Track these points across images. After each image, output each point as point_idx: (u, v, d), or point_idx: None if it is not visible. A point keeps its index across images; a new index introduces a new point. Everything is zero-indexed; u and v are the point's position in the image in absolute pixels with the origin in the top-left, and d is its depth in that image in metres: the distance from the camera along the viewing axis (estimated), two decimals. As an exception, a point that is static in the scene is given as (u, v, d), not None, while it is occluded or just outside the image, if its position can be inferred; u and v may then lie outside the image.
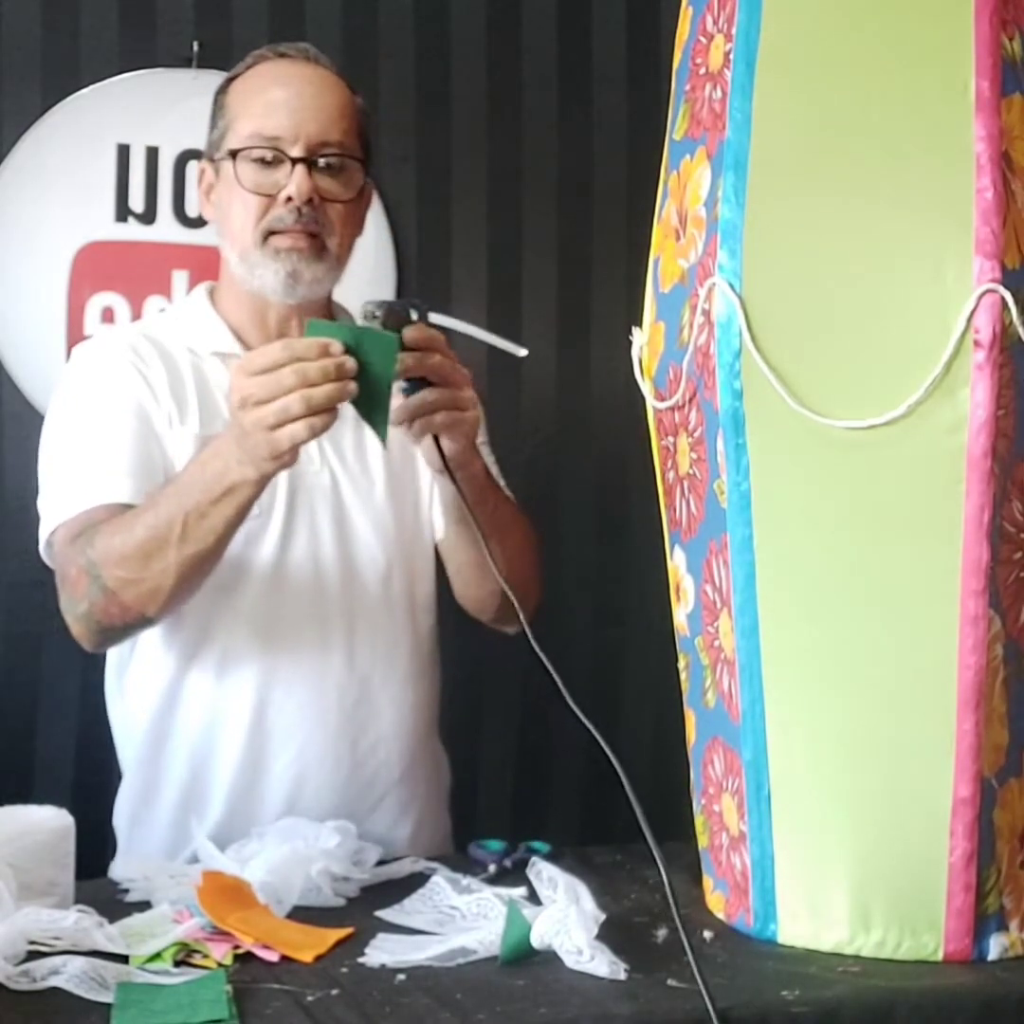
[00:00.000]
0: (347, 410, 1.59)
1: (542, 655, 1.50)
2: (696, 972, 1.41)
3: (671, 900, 1.44)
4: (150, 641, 1.91)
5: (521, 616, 1.56)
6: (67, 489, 1.86)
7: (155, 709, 1.93)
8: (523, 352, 1.67)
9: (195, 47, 2.73)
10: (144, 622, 1.81)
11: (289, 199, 1.87)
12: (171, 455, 1.88)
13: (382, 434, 1.58)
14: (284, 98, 1.90)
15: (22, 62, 2.76)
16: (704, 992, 1.39)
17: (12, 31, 2.75)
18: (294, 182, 1.87)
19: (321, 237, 1.89)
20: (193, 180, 2.62)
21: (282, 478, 1.87)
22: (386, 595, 1.96)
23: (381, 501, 1.96)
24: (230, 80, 1.96)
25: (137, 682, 1.95)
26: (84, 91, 2.73)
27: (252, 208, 1.88)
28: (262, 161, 1.88)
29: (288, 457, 1.61)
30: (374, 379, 1.56)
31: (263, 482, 1.67)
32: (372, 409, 1.57)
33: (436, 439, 1.68)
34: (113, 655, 1.98)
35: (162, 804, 1.93)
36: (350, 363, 1.54)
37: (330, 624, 1.92)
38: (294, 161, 1.88)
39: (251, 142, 1.88)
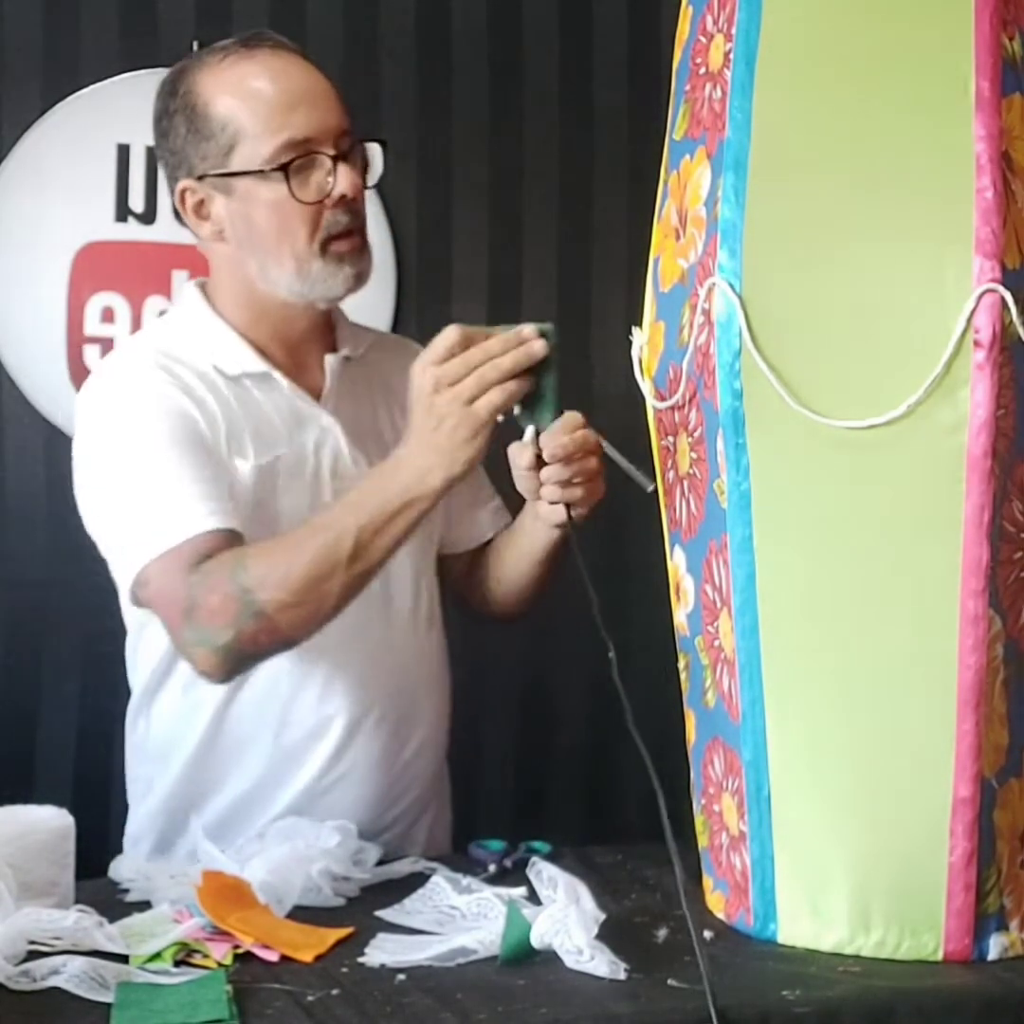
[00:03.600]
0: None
1: (618, 682, 1.57)
2: (704, 971, 1.41)
3: (682, 899, 1.44)
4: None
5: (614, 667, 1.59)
6: (157, 522, 1.75)
7: (208, 723, 1.87)
8: (651, 487, 1.71)
9: (195, 47, 2.72)
10: (285, 648, 1.75)
11: (343, 198, 1.80)
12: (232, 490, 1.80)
13: (547, 422, 1.65)
14: (293, 97, 1.80)
15: (22, 62, 2.76)
16: (708, 992, 1.39)
17: (12, 31, 2.75)
18: (345, 180, 1.80)
19: (365, 230, 1.85)
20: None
21: (326, 491, 1.86)
22: (416, 604, 1.95)
23: None
24: (188, 90, 1.82)
25: (181, 700, 1.89)
26: (84, 91, 2.74)
27: (308, 219, 1.80)
28: (299, 168, 1.79)
29: (482, 440, 1.62)
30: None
31: (443, 491, 1.66)
32: (535, 407, 1.64)
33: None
34: (147, 672, 1.92)
35: (207, 817, 1.88)
36: (527, 330, 1.60)
37: (373, 636, 1.88)
38: (334, 159, 1.80)
39: (290, 152, 1.78)
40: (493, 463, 2.08)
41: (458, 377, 1.61)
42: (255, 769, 1.88)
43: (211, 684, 1.78)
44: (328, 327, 1.95)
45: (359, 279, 1.85)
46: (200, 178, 1.83)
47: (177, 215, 1.93)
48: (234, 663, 1.74)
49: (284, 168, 1.79)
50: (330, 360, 1.91)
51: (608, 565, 2.98)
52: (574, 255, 2.99)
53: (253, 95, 1.81)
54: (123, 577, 1.80)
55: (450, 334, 1.62)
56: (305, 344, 1.92)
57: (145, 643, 1.91)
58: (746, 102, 1.54)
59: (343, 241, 1.83)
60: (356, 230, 1.84)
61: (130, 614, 1.92)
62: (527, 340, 1.61)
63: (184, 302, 1.94)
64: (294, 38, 1.98)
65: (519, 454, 1.73)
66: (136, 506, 1.78)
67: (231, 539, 1.74)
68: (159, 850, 1.88)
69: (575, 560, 1.70)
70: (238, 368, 1.86)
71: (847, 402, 1.50)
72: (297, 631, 1.73)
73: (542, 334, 1.62)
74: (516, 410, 1.65)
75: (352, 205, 1.82)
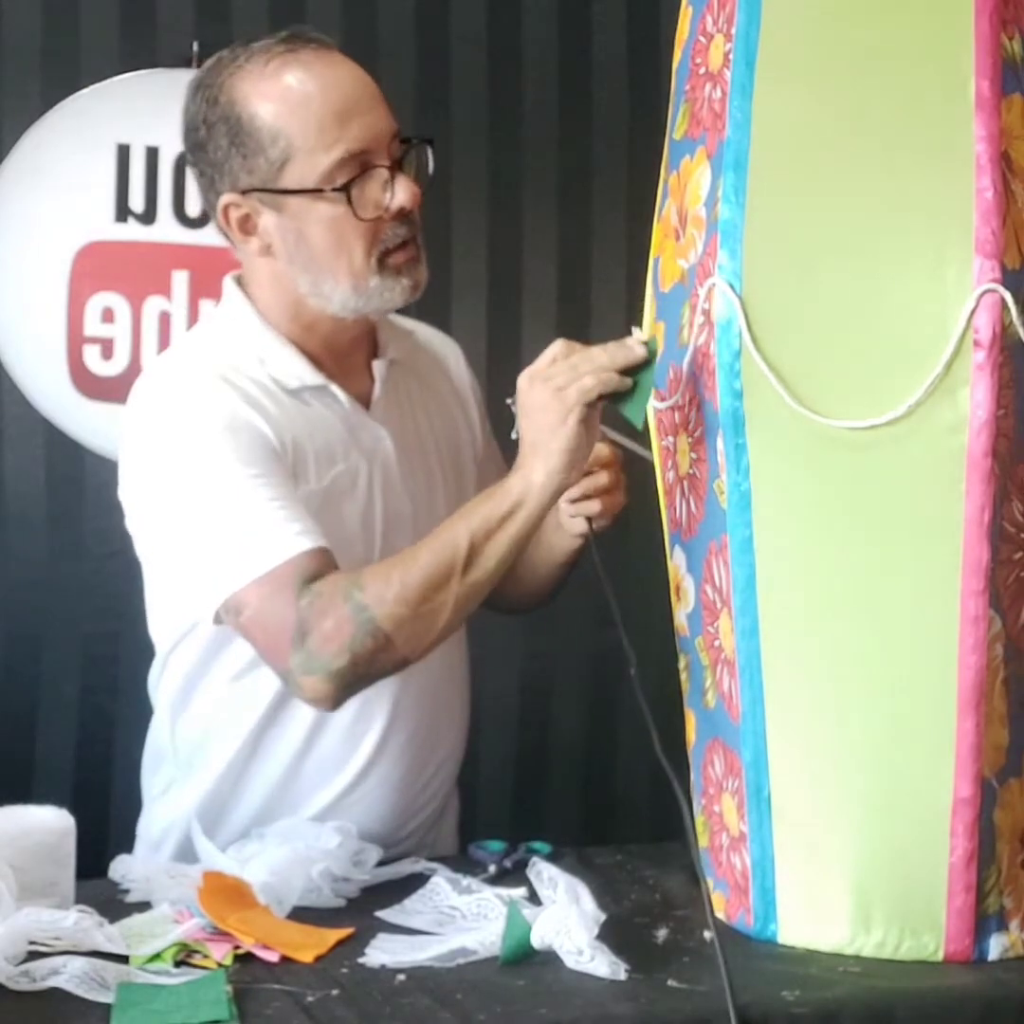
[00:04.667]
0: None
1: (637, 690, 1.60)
2: (724, 972, 1.42)
3: (701, 878, 1.45)
4: (248, 669, 1.81)
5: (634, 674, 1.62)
6: (248, 544, 1.68)
7: (246, 736, 1.84)
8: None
9: (195, 47, 2.73)
10: (397, 669, 1.71)
11: (402, 210, 1.74)
12: None
13: (639, 420, 1.65)
14: (345, 106, 1.73)
15: (22, 62, 2.77)
16: (728, 992, 1.41)
17: (12, 31, 2.76)
18: (403, 192, 1.74)
19: (419, 237, 1.80)
20: (195, 182, 2.60)
21: (377, 502, 1.83)
22: None
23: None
24: (229, 99, 1.74)
25: (219, 709, 1.86)
26: (84, 91, 2.73)
27: (365, 235, 1.74)
28: (356, 182, 1.73)
29: (573, 426, 1.60)
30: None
31: (549, 489, 1.64)
32: (630, 403, 1.64)
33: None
34: (177, 684, 1.87)
35: (237, 817, 1.86)
36: (630, 339, 1.63)
37: None
38: (391, 169, 1.74)
39: (347, 167, 1.72)
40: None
41: (554, 374, 1.62)
42: (283, 784, 1.85)
43: (323, 711, 1.74)
44: (371, 329, 1.89)
45: (415, 289, 1.79)
46: (245, 192, 1.76)
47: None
48: (346, 688, 1.68)
49: (345, 187, 1.72)
50: (378, 366, 1.86)
51: (608, 565, 2.98)
52: (574, 255, 2.99)
53: (303, 105, 1.72)
54: (204, 602, 1.72)
55: (555, 345, 1.64)
56: (353, 352, 1.86)
57: (177, 656, 1.87)
58: (746, 102, 1.54)
59: (400, 253, 1.76)
60: (412, 239, 1.78)
61: (160, 631, 1.89)
62: (629, 345, 1.62)
63: (229, 307, 1.85)
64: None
65: None
66: (219, 528, 1.70)
67: (326, 558, 1.69)
68: (182, 857, 1.86)
69: (598, 575, 1.71)
70: (297, 381, 1.79)
71: (847, 402, 1.50)
72: (412, 648, 1.68)
73: (644, 343, 1.63)
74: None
75: (409, 215, 1.76)
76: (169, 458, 1.75)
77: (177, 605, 1.84)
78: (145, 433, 1.79)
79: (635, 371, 1.62)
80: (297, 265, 1.77)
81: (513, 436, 1.71)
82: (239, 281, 1.86)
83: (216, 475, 1.71)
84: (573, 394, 1.61)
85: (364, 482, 1.83)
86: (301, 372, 1.80)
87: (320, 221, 1.75)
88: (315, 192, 1.73)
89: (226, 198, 1.77)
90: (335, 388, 1.82)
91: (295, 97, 1.73)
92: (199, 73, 1.81)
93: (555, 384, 1.61)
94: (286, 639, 1.66)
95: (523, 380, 1.66)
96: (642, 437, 1.76)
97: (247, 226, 1.78)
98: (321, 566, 1.68)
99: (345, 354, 1.85)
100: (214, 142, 1.77)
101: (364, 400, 1.86)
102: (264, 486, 1.71)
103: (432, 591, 1.65)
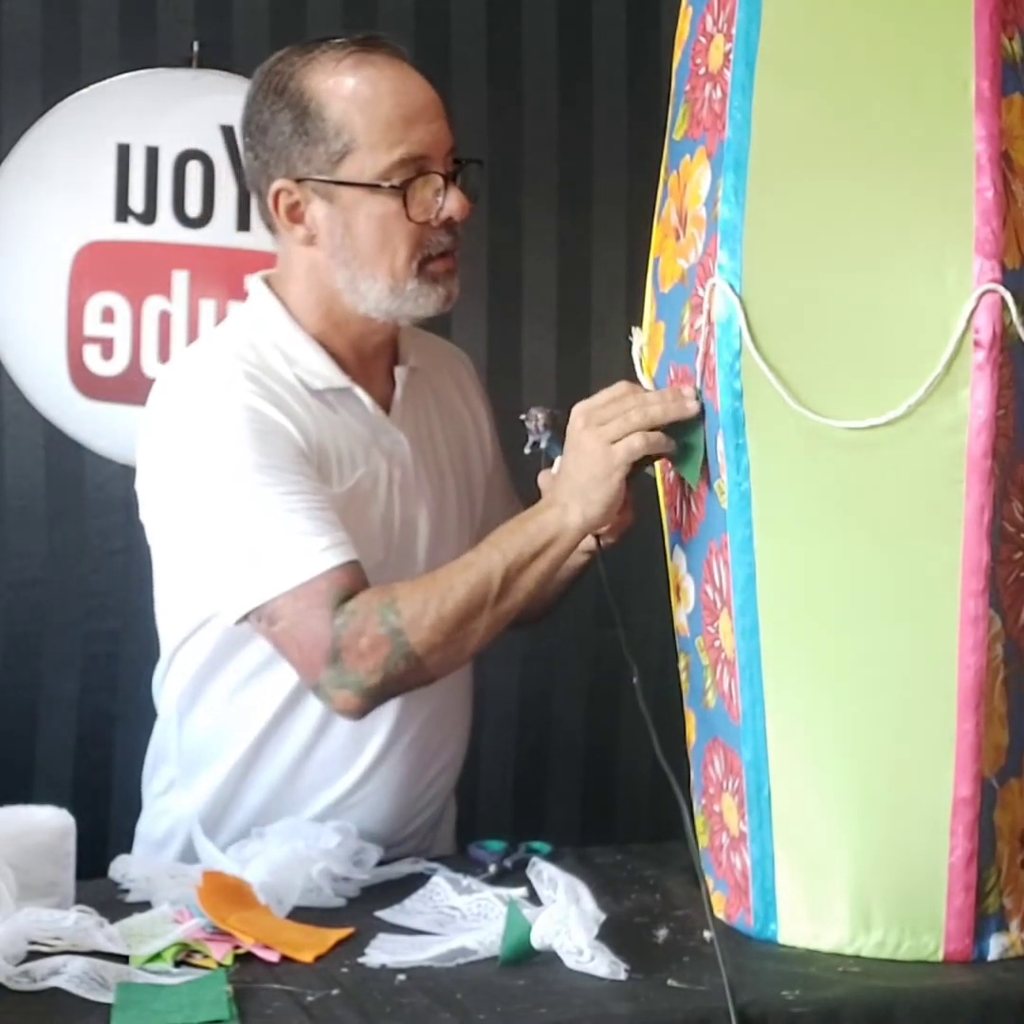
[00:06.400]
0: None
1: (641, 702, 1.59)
2: (723, 970, 1.42)
3: (699, 875, 1.45)
4: (256, 672, 1.82)
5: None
6: (282, 554, 1.70)
7: (261, 728, 1.84)
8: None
9: (195, 47, 2.73)
10: (423, 685, 1.75)
11: (449, 219, 1.77)
12: None
13: (694, 479, 1.65)
14: (412, 111, 1.77)
15: (22, 62, 2.77)
16: (727, 990, 1.41)
17: (12, 31, 2.76)
18: (455, 201, 1.77)
19: (458, 251, 1.82)
20: (195, 180, 2.60)
21: (396, 505, 1.84)
22: None
23: (452, 529, 1.92)
24: (299, 89, 1.76)
25: (224, 711, 1.86)
26: (84, 91, 2.73)
27: (411, 237, 1.77)
28: (411, 182, 1.76)
29: (616, 482, 1.64)
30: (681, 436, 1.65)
31: (583, 530, 1.68)
32: (683, 461, 1.65)
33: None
34: (184, 683, 1.87)
35: (239, 817, 1.86)
36: (686, 390, 1.63)
37: None
38: (446, 178, 1.77)
39: (405, 168, 1.75)
40: (525, 487, 2.08)
41: (608, 418, 1.64)
42: (287, 784, 1.85)
43: (349, 720, 1.76)
44: (393, 336, 1.90)
45: (448, 300, 1.81)
46: (299, 181, 1.78)
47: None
48: (374, 702, 1.73)
49: (402, 187, 1.75)
50: (400, 372, 1.88)
51: (608, 565, 2.98)
52: (574, 256, 2.99)
53: (371, 103, 1.76)
54: (230, 603, 1.74)
55: (617, 385, 1.66)
56: (377, 357, 1.88)
57: (183, 657, 1.87)
58: (746, 102, 1.54)
59: (440, 262, 1.79)
60: (452, 251, 1.80)
61: (169, 626, 1.89)
62: (685, 397, 1.63)
63: (257, 304, 1.87)
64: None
65: (548, 484, 1.73)
66: (249, 532, 1.72)
67: (358, 572, 1.71)
68: (185, 858, 1.85)
69: (600, 581, 1.72)
70: (322, 382, 1.81)
71: (847, 402, 1.51)
72: (440, 670, 1.74)
73: (698, 395, 1.63)
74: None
75: (455, 226, 1.79)
76: (195, 455, 1.76)
77: (189, 600, 1.84)
78: (171, 427, 1.80)
79: (689, 428, 1.63)
80: (338, 259, 1.79)
81: (526, 451, 1.72)
82: (267, 281, 1.87)
83: (246, 477, 1.72)
84: (621, 453, 1.64)
85: (384, 485, 1.84)
86: (327, 373, 1.82)
87: (370, 216, 1.77)
88: (371, 187, 1.76)
89: (279, 183, 1.79)
90: (359, 391, 1.83)
91: (364, 94, 1.77)
92: (267, 63, 1.84)
93: (607, 436, 1.64)
94: (319, 655, 1.69)
95: (578, 416, 1.67)
96: None
97: (295, 214, 1.80)
98: (354, 582, 1.70)
99: (369, 358, 1.87)
100: (276, 127, 1.79)
101: (384, 404, 1.87)
102: (298, 492, 1.72)
103: (466, 621, 1.69)
